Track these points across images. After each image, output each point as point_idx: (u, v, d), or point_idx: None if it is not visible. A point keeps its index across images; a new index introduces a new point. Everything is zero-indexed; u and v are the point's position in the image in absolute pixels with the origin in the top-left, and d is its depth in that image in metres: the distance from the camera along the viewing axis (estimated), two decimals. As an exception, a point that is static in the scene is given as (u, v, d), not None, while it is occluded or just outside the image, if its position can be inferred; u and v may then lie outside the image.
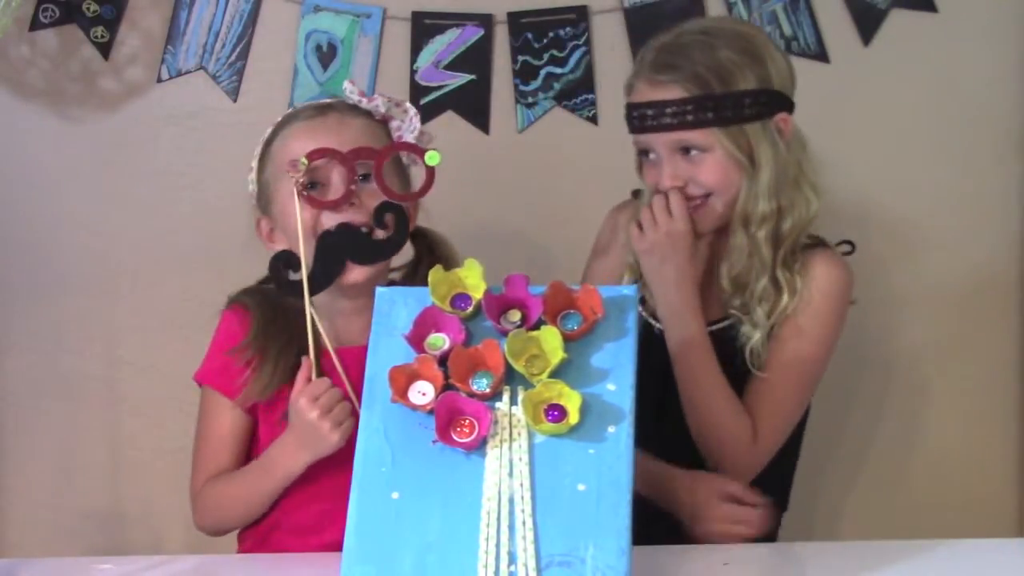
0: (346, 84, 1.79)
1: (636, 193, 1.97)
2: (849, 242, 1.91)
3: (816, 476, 2.16)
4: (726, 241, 1.83)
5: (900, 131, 2.44)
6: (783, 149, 1.79)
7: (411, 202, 1.76)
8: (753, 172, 1.77)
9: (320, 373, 1.68)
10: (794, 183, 1.80)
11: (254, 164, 1.81)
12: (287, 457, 1.69)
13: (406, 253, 1.84)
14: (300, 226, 1.68)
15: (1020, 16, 2.42)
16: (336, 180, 1.71)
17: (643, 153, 1.85)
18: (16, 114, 2.43)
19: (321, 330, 1.70)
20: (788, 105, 1.82)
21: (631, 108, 1.83)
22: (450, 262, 1.70)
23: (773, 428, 1.81)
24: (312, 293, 1.69)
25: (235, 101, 2.43)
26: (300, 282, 1.68)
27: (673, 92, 1.77)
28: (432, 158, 1.71)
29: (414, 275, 1.84)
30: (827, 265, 1.82)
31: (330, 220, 1.72)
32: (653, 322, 1.87)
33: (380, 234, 1.73)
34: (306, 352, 1.69)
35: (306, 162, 1.67)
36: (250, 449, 1.82)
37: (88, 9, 2.39)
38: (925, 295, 2.47)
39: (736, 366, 1.82)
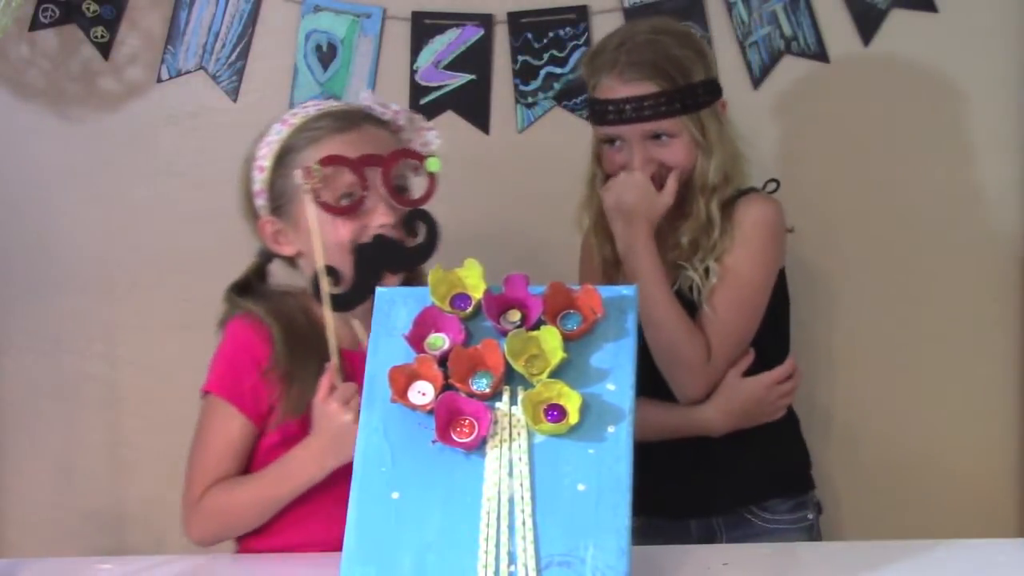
0: (366, 93, 1.81)
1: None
2: (775, 180, 2.10)
3: (815, 476, 2.16)
4: (669, 215, 2.02)
5: (900, 131, 2.44)
6: (726, 128, 2.05)
7: (411, 207, 1.76)
8: (708, 150, 2.01)
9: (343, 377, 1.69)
10: (734, 156, 2.04)
11: (266, 164, 1.79)
12: (312, 463, 1.68)
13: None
14: (317, 230, 1.68)
15: (1020, 16, 2.42)
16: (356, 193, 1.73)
17: (608, 141, 2.05)
18: (16, 114, 2.43)
19: (360, 330, 1.71)
20: (721, 90, 2.06)
21: (606, 103, 2.01)
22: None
23: (724, 348, 2.00)
24: (352, 306, 1.70)
25: (235, 101, 2.43)
26: (340, 295, 1.68)
27: (646, 87, 1.98)
28: (433, 164, 1.73)
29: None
30: (753, 204, 2.04)
31: (368, 236, 1.73)
32: None
33: (411, 241, 1.74)
34: (320, 357, 1.69)
35: (320, 169, 1.69)
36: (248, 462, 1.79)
37: (88, 9, 2.39)
38: (924, 294, 2.47)
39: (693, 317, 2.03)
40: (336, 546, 1.39)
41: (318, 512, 1.71)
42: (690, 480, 2.04)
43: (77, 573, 1.67)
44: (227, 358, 1.78)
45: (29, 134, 2.44)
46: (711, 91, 2.03)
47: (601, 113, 2.02)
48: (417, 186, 1.79)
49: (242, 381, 1.76)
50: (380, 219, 1.73)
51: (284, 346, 1.75)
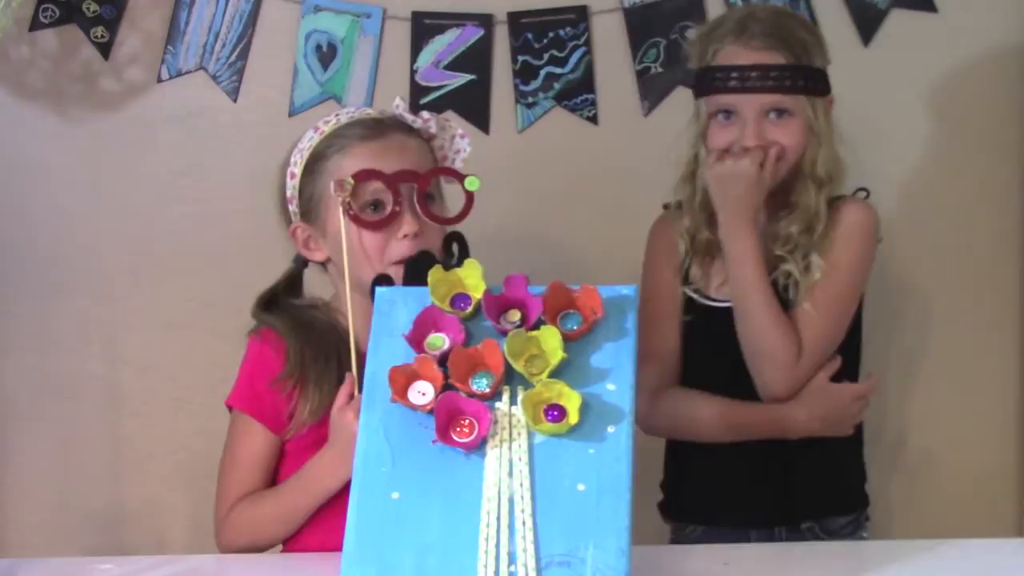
0: (398, 101, 1.81)
1: (667, 206, 2.09)
2: (864, 189, 2.07)
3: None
4: (772, 203, 1.98)
5: (900, 131, 2.44)
6: (832, 125, 2.00)
7: (446, 225, 1.78)
8: (819, 140, 1.96)
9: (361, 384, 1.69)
10: (836, 156, 1.99)
11: (297, 171, 1.81)
12: (327, 474, 1.70)
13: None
14: (345, 243, 1.70)
15: (1020, 16, 2.42)
16: (386, 203, 1.74)
17: (719, 113, 1.96)
18: (16, 114, 2.43)
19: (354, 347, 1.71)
20: (831, 87, 2.02)
21: (729, 70, 1.94)
22: None
23: (814, 350, 1.94)
24: None
25: (235, 101, 2.43)
26: None
27: (774, 57, 1.93)
28: (472, 183, 1.75)
29: None
30: (858, 207, 2.01)
31: (398, 247, 1.74)
32: (708, 301, 2.01)
33: (449, 262, 1.75)
34: (343, 366, 1.71)
35: (352, 182, 1.71)
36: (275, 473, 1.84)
37: (88, 9, 2.39)
38: (924, 295, 2.47)
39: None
40: None
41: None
42: (756, 489, 2.00)
43: (77, 573, 1.67)
44: (246, 373, 1.83)
45: (29, 134, 2.44)
46: (826, 81, 1.99)
47: (721, 80, 1.94)
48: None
49: (260, 395, 1.80)
50: (405, 228, 1.74)
51: (298, 357, 1.78)
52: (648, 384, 1.97)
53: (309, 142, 1.81)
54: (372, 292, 1.67)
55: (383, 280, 1.70)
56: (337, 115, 1.83)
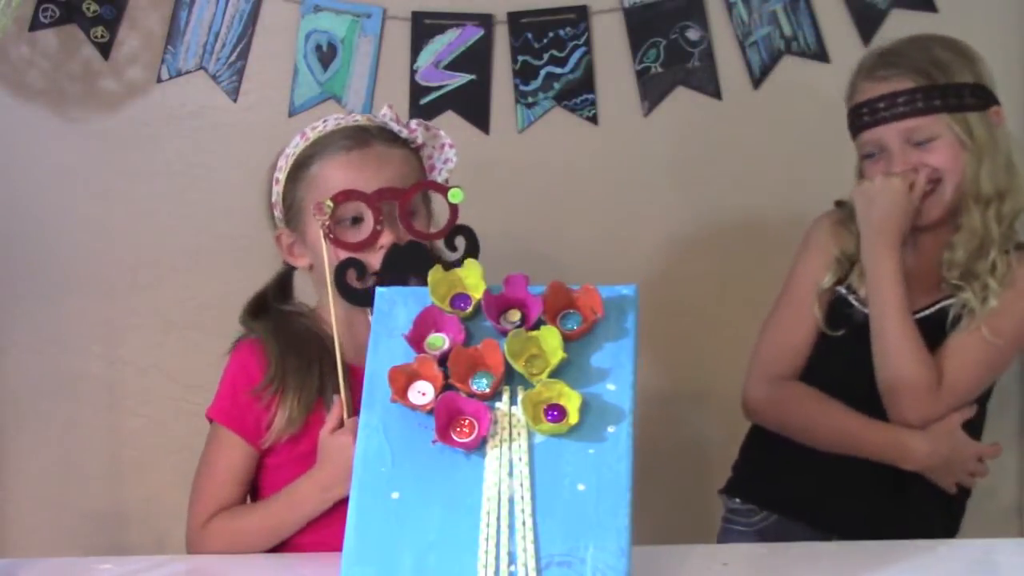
0: (385, 110, 1.78)
1: (840, 203, 2.06)
2: None
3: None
4: (945, 229, 1.94)
5: (900, 131, 2.44)
6: (1000, 137, 1.93)
7: (435, 239, 1.76)
8: (979, 156, 1.90)
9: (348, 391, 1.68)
10: (1009, 170, 1.93)
11: (280, 177, 1.79)
12: (317, 494, 1.70)
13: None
14: (327, 266, 1.69)
15: (1020, 16, 2.42)
16: (367, 219, 1.72)
17: (867, 156, 1.96)
18: (16, 114, 2.43)
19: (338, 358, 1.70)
20: (997, 100, 1.97)
21: (860, 107, 1.94)
22: None
23: (956, 384, 1.90)
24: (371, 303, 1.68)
25: (235, 101, 2.43)
26: (364, 291, 1.67)
27: (901, 84, 1.91)
28: (455, 195, 1.73)
29: None
30: None
31: (377, 257, 1.71)
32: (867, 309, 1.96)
33: (451, 256, 1.74)
34: (325, 375, 1.71)
35: (332, 204, 1.69)
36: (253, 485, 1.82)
37: (88, 9, 2.39)
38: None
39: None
40: None
41: (323, 536, 1.71)
42: (866, 501, 1.97)
43: (77, 573, 1.67)
44: (227, 385, 1.80)
45: (29, 134, 2.44)
46: (980, 96, 1.93)
47: (857, 118, 1.95)
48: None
49: (241, 407, 1.77)
50: (383, 241, 1.71)
51: (279, 365, 1.76)
52: (772, 370, 1.97)
53: (294, 148, 1.79)
54: (338, 276, 1.68)
55: (352, 263, 1.68)
56: (325, 120, 1.80)
